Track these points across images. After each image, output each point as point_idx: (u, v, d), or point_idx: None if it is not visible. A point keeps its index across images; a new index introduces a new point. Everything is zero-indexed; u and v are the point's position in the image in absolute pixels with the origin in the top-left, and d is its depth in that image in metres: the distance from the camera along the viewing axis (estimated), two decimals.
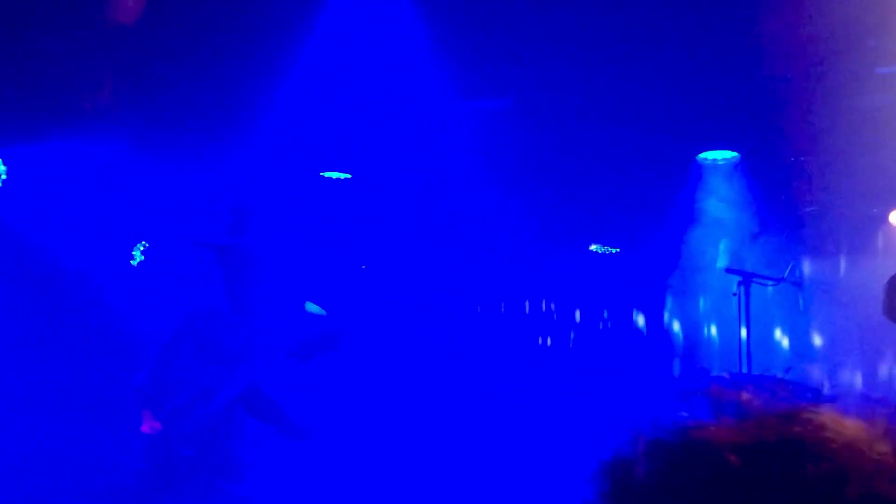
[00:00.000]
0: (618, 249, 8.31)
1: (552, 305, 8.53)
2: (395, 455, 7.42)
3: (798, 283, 7.32)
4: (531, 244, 7.86)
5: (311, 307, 5.01)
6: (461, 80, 6.85)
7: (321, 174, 7.37)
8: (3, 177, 7.03)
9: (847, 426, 1.11)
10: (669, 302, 8.14)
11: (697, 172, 7.75)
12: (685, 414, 1.14)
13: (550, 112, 7.30)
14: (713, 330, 7.86)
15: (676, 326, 8.20)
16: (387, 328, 7.50)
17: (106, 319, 7.21)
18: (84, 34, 6.54)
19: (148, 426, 4.87)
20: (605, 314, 8.46)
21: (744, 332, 6.53)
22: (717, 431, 1.11)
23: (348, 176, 7.46)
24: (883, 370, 7.52)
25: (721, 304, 7.42)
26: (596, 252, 8.35)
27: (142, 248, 7.52)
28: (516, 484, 7.42)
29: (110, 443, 5.60)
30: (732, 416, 1.11)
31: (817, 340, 7.70)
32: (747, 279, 6.59)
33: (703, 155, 7.72)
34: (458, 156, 7.30)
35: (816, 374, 7.40)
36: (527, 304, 8.50)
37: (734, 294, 6.62)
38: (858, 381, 7.48)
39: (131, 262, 7.51)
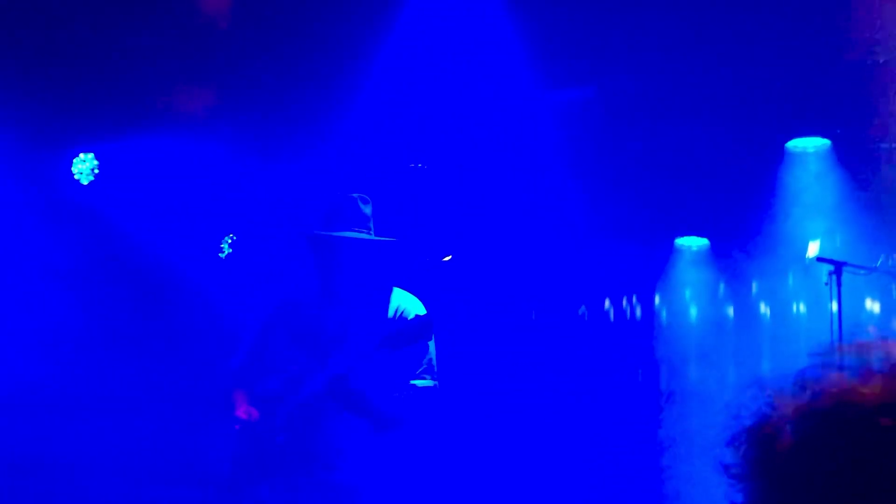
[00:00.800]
0: (707, 241, 8.17)
1: (635, 301, 8.43)
2: (487, 445, 7.45)
3: (892, 273, 7.14)
4: (614, 237, 7.78)
5: (401, 294, 5.01)
6: (544, 69, 6.82)
7: (411, 165, 7.40)
8: (96, 171, 7.21)
9: None
10: (758, 292, 7.98)
11: (787, 160, 7.60)
12: (825, 375, 1.12)
13: (634, 101, 7.23)
14: (803, 319, 7.69)
15: (766, 315, 8.03)
16: (470, 320, 7.51)
17: (198, 309, 7.36)
18: (176, 31, 6.67)
19: (244, 411, 4.91)
20: (693, 311, 8.32)
21: (835, 322, 6.39)
22: (864, 391, 1.08)
23: (421, 166, 7.47)
24: None
25: (811, 293, 7.28)
26: (682, 246, 8.23)
27: (230, 241, 7.65)
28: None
29: (206, 431, 5.70)
30: (878, 371, 1.08)
31: None
32: (839, 268, 6.44)
33: (792, 142, 7.56)
34: (541, 147, 7.26)
35: None
36: (607, 301, 8.41)
37: (826, 284, 6.48)
38: None
39: (219, 254, 7.64)
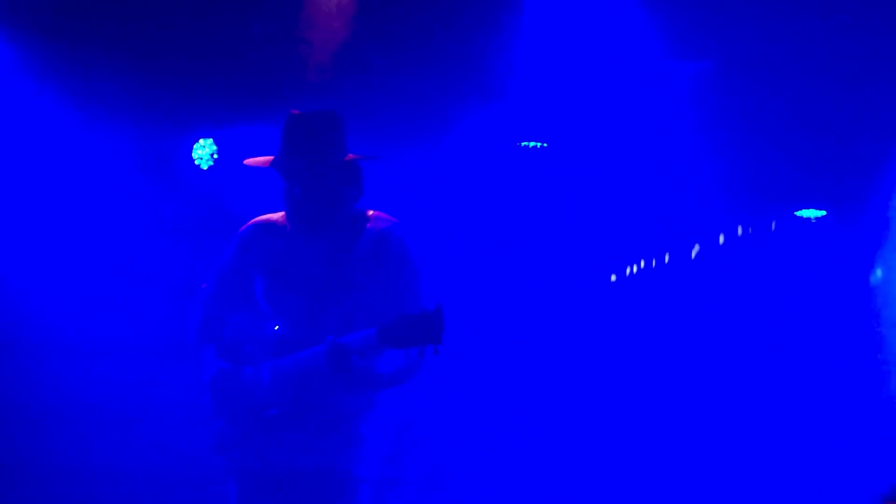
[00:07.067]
0: (824, 212, 7.97)
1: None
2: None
3: None
4: (736, 209, 7.64)
5: (384, 220, 4.73)
6: (666, 41, 6.72)
7: (521, 144, 7.35)
8: (216, 156, 7.27)
9: None
10: (881, 270, 7.74)
11: None
12: None
13: (756, 70, 7.08)
14: None
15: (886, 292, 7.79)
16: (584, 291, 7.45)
17: None
18: (292, 19, 6.71)
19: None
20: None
21: None
22: None
23: (544, 145, 7.41)
24: None
25: None
26: (802, 217, 8.03)
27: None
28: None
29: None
30: None
31: None
32: None
33: None
34: (661, 120, 7.16)
35: None
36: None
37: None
38: None
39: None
